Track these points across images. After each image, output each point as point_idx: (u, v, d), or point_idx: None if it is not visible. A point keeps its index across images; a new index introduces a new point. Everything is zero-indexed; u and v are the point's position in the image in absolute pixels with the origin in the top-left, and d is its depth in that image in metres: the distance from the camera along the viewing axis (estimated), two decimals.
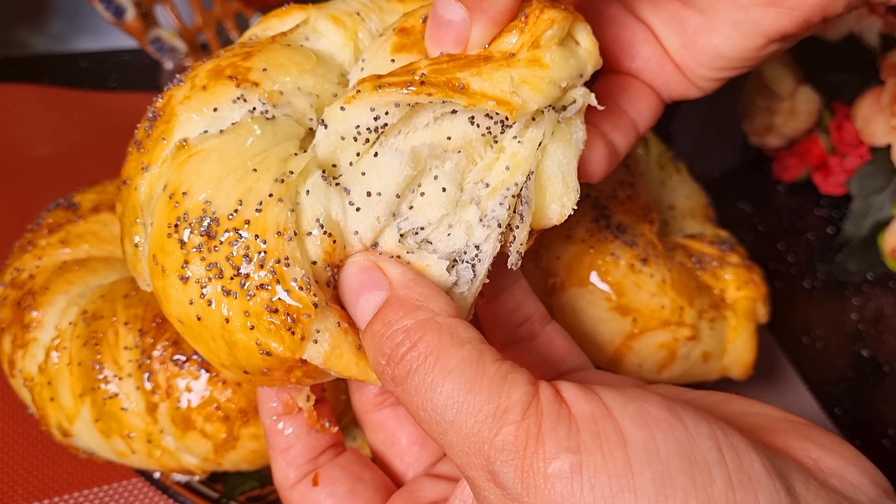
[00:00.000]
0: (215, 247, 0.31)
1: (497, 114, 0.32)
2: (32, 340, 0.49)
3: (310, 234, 0.31)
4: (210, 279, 0.31)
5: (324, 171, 0.32)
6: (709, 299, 0.55)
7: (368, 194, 0.32)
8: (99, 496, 0.53)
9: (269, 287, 0.31)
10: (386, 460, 0.41)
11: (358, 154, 0.33)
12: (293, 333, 0.31)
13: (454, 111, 0.32)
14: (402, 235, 0.32)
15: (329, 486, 0.37)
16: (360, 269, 0.32)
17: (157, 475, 0.50)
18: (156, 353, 0.46)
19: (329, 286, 0.32)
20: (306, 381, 0.33)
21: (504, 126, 0.33)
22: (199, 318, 0.32)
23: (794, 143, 0.87)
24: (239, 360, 0.32)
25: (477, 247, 0.33)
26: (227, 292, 0.31)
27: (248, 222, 0.31)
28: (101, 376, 0.46)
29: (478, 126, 0.33)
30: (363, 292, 0.31)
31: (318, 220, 0.31)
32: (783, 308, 0.72)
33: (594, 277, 0.52)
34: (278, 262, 0.31)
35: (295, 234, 0.31)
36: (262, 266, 0.31)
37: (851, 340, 0.71)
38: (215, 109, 0.33)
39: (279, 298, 0.31)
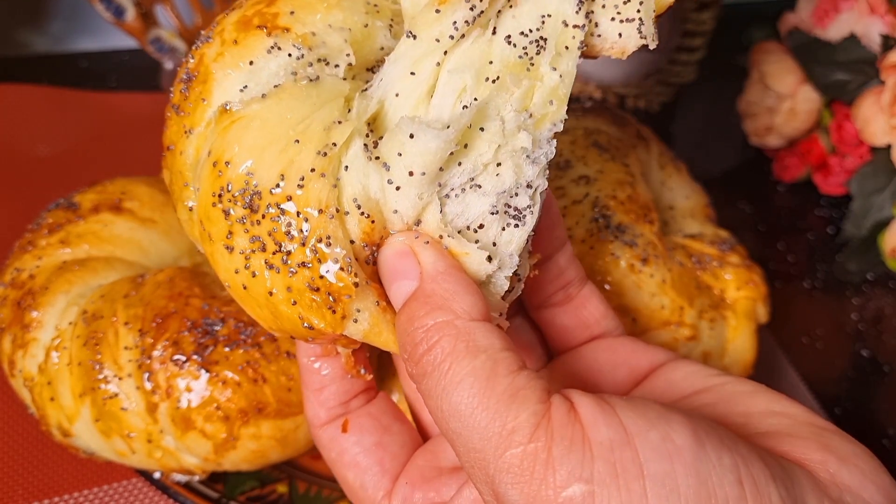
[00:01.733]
0: (258, 220, 0.31)
1: (531, 31, 0.31)
2: (32, 340, 0.49)
3: (347, 213, 0.31)
4: (254, 251, 0.31)
5: (367, 137, 0.32)
6: (709, 299, 0.55)
7: (410, 174, 0.30)
8: (99, 496, 0.53)
9: (311, 265, 0.31)
10: (416, 410, 0.41)
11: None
12: (334, 312, 0.31)
13: (494, 31, 0.32)
14: (444, 215, 0.31)
15: (357, 434, 0.37)
16: (394, 253, 0.31)
17: (157, 475, 0.50)
18: (156, 353, 0.46)
19: (369, 264, 0.32)
20: (351, 346, 0.34)
21: (539, 47, 0.31)
22: (244, 287, 0.32)
23: (795, 143, 0.87)
24: (285, 328, 0.33)
25: (528, 185, 0.32)
26: (271, 266, 0.31)
27: (289, 198, 0.30)
28: (101, 376, 0.46)
29: (514, 46, 0.31)
30: (395, 279, 0.31)
31: (355, 200, 0.31)
32: (783, 308, 0.72)
33: (594, 278, 0.52)
34: (320, 240, 0.30)
35: (337, 210, 0.31)
36: (303, 244, 0.30)
37: (851, 340, 0.71)
38: (251, 63, 0.33)
39: (321, 277, 0.31)
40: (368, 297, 0.32)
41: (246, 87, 0.32)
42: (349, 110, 0.32)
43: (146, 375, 0.46)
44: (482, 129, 0.31)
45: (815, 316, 0.73)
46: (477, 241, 0.31)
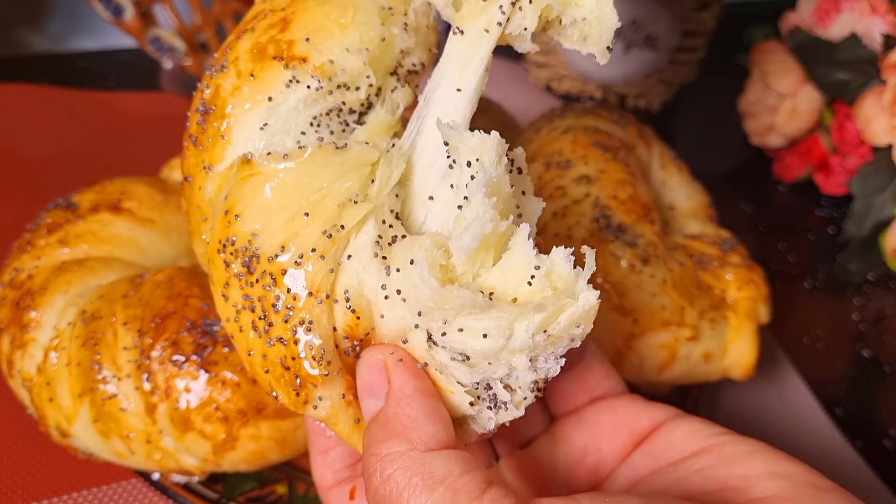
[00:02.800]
0: (252, 283, 0.31)
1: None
2: (31, 341, 0.48)
3: (337, 301, 0.31)
4: (244, 308, 0.31)
5: (383, 224, 0.30)
6: (709, 299, 0.55)
7: (403, 300, 0.29)
8: (98, 496, 0.53)
9: (287, 344, 0.31)
10: None
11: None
12: (297, 395, 0.31)
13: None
14: (432, 341, 0.30)
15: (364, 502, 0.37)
16: (367, 366, 0.31)
17: (156, 476, 0.50)
18: (155, 354, 0.46)
19: (348, 355, 0.32)
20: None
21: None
22: (232, 336, 0.32)
23: (795, 142, 0.86)
24: (260, 385, 0.33)
25: (518, 386, 0.30)
26: (255, 328, 0.31)
27: (284, 272, 0.30)
28: (99, 377, 0.46)
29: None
30: (364, 395, 0.31)
31: (346, 292, 0.30)
32: (784, 308, 0.72)
33: (595, 278, 0.51)
34: (302, 323, 0.30)
35: (327, 297, 0.30)
36: (286, 321, 0.30)
37: (852, 341, 0.71)
38: (270, 99, 0.32)
39: (293, 359, 0.31)
40: (335, 389, 0.31)
41: (266, 124, 0.32)
42: (373, 180, 0.31)
43: (145, 376, 0.45)
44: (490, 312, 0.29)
45: (816, 316, 0.73)
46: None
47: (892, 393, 0.66)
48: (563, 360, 0.30)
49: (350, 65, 0.32)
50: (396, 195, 0.32)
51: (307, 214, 0.30)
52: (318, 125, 0.33)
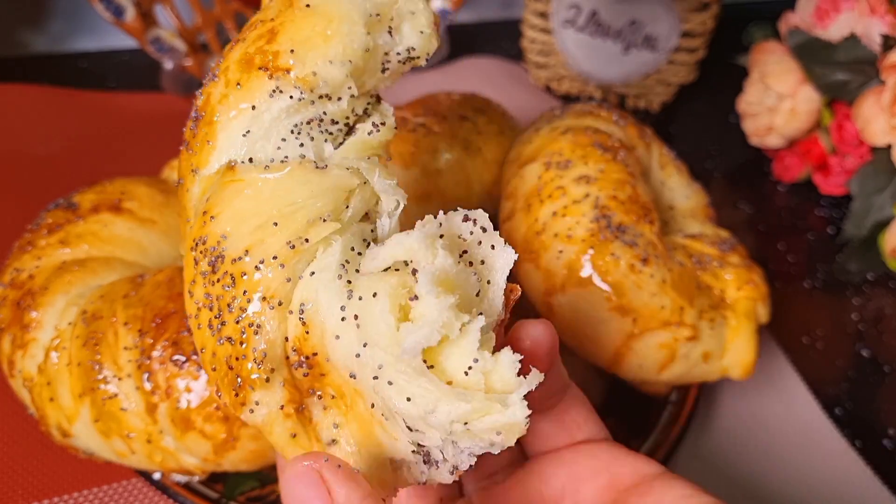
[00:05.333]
0: (213, 282, 0.32)
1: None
2: (32, 341, 0.48)
3: (291, 312, 0.31)
4: (204, 307, 0.32)
5: (352, 251, 0.31)
6: (709, 299, 0.55)
7: (355, 317, 0.29)
8: (99, 496, 0.53)
9: (234, 344, 0.31)
10: None
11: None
12: (236, 395, 0.32)
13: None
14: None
15: None
16: (299, 479, 0.27)
17: (157, 476, 0.50)
18: (155, 354, 0.46)
19: (295, 368, 0.31)
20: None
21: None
22: (192, 332, 0.34)
23: (795, 143, 0.87)
24: (209, 382, 0.34)
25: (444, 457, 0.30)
26: (210, 326, 0.32)
27: (244, 274, 0.31)
28: (100, 376, 0.46)
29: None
30: None
31: (301, 306, 0.31)
32: (783, 308, 0.72)
33: (594, 278, 0.51)
34: (251, 325, 0.31)
35: (280, 304, 0.31)
36: (237, 322, 0.31)
37: (852, 341, 0.71)
38: (253, 107, 0.33)
39: (237, 359, 0.31)
40: (273, 397, 0.32)
41: (249, 131, 0.33)
42: (347, 206, 0.32)
43: (146, 376, 0.45)
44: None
45: (815, 316, 0.73)
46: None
47: (892, 393, 0.66)
48: (475, 458, 0.29)
49: (332, 77, 0.33)
50: (372, 229, 0.33)
51: (276, 224, 0.31)
52: (299, 133, 0.33)
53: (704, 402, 0.63)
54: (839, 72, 0.76)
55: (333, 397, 0.31)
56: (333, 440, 0.32)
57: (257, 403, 0.32)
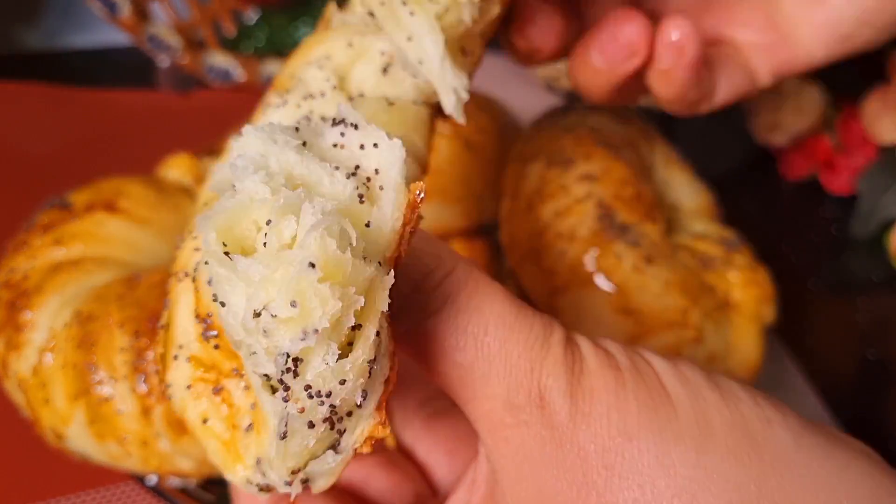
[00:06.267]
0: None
1: None
2: (26, 342, 0.48)
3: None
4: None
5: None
6: (714, 300, 0.54)
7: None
8: (97, 499, 0.53)
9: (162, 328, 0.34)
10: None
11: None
12: (160, 381, 0.33)
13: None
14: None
15: None
16: None
17: (153, 479, 0.50)
18: (150, 356, 0.45)
19: (206, 340, 0.30)
20: None
21: None
22: None
23: (800, 141, 0.86)
24: None
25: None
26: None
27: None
28: (95, 378, 0.46)
29: None
30: None
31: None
32: (789, 309, 0.72)
33: (598, 278, 0.51)
34: (166, 302, 0.32)
35: (186, 274, 0.31)
36: (165, 309, 0.33)
37: (857, 342, 0.71)
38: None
39: (162, 343, 0.32)
40: (181, 374, 0.30)
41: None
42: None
43: (141, 378, 0.45)
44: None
45: (820, 317, 0.73)
46: None
47: None
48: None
49: (309, 76, 0.34)
50: None
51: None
52: None
53: None
54: (845, 69, 0.76)
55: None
56: (250, 424, 0.28)
57: (169, 385, 0.30)
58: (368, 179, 0.24)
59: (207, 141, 0.65)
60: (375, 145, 0.24)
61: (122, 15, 0.84)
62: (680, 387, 0.26)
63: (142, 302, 0.47)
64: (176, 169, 0.59)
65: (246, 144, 0.23)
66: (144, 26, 0.87)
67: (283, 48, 0.95)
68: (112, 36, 0.95)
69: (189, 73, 0.92)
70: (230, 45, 0.94)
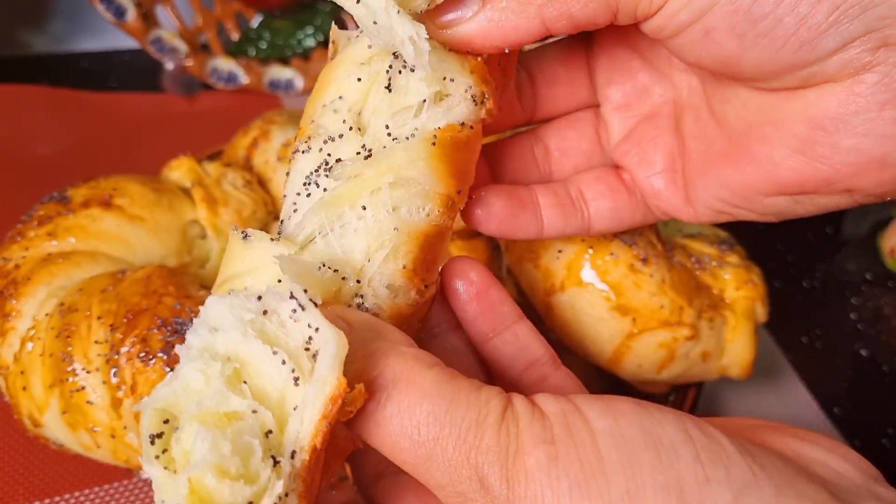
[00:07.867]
0: None
1: None
2: (11, 329, 0.49)
3: None
4: None
5: None
6: (708, 299, 0.55)
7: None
8: (100, 495, 0.53)
9: None
10: None
11: None
12: None
13: None
14: None
15: None
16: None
17: (145, 475, 0.50)
18: (124, 349, 0.45)
19: None
20: None
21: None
22: None
23: None
24: None
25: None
26: None
27: None
28: (70, 368, 0.46)
29: None
30: None
31: None
32: (782, 308, 0.72)
33: (593, 278, 0.51)
34: None
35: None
36: None
37: (850, 340, 0.71)
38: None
39: None
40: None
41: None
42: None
43: (113, 370, 0.45)
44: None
45: (814, 316, 0.73)
46: None
47: (891, 392, 0.66)
48: None
49: (326, 120, 0.35)
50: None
51: None
52: None
53: (703, 402, 0.63)
54: None
55: None
56: None
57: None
58: (315, 356, 0.26)
59: (212, 143, 0.66)
60: (317, 330, 0.26)
61: (128, 19, 0.85)
62: (615, 452, 0.26)
63: (122, 297, 0.47)
64: (177, 171, 0.59)
65: (207, 314, 0.26)
66: (150, 30, 0.88)
67: (285, 53, 0.95)
68: (118, 40, 0.95)
69: (194, 76, 0.92)
70: (234, 50, 0.94)
